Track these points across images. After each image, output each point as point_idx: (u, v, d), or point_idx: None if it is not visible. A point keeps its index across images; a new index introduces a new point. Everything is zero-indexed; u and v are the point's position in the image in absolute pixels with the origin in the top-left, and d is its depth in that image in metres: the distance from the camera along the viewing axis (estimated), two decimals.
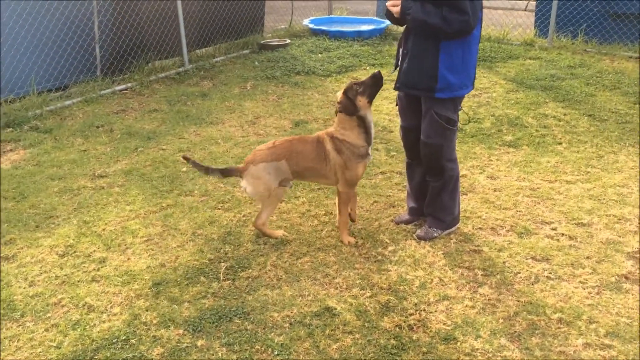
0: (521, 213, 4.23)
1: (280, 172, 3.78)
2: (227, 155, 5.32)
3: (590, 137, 5.60)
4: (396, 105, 3.95)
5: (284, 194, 4.05)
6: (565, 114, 6.16)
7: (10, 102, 6.40)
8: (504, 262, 3.64)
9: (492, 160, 5.16)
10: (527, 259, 3.68)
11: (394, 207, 4.38)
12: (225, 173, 3.92)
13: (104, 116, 6.37)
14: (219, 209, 4.36)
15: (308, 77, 7.80)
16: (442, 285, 3.43)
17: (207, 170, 3.85)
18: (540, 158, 5.15)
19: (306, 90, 7.26)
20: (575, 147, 5.38)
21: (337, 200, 3.92)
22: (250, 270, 3.57)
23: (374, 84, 3.68)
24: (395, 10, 3.44)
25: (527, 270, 3.55)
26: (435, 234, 3.90)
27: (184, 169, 5.03)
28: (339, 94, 3.75)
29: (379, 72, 3.69)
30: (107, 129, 6.02)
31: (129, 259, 3.73)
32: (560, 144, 5.47)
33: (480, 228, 4.05)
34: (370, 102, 3.70)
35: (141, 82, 7.45)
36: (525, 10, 12.17)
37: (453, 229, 3.95)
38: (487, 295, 3.33)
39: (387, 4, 3.55)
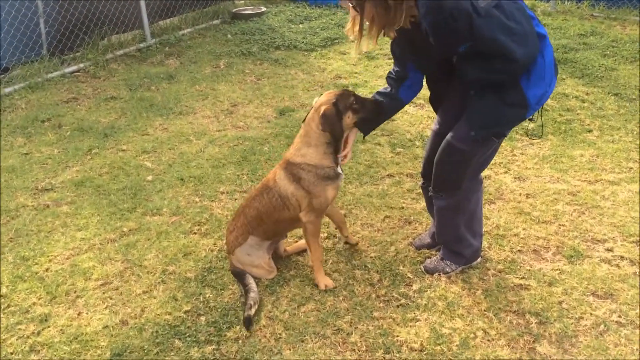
0: (565, 228, 3.47)
1: (257, 246, 3.04)
2: (201, 156, 4.42)
3: (622, 121, 4.85)
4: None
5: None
6: (587, 93, 5.39)
7: None
8: (560, 302, 2.88)
9: (516, 155, 4.37)
10: (587, 295, 2.93)
11: (410, 223, 3.58)
12: (237, 276, 3.05)
13: (51, 106, 5.37)
14: (194, 233, 3.51)
15: (289, 52, 6.85)
16: (489, 340, 2.67)
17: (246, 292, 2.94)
18: (572, 151, 4.39)
19: (288, 69, 6.33)
20: (609, 135, 4.62)
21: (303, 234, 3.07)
22: (239, 327, 2.75)
23: (374, 112, 2.84)
24: None
25: (591, 314, 2.81)
26: (448, 269, 3.10)
27: (149, 177, 4.13)
28: (320, 100, 2.86)
29: (383, 103, 2.85)
30: (55, 123, 5.04)
31: (79, 314, 2.87)
32: (590, 131, 4.70)
33: (519, 251, 3.29)
34: (355, 126, 2.88)
35: (96, 61, 6.42)
36: None
37: (473, 263, 3.15)
38: (549, 355, 2.58)
39: None
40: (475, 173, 2.92)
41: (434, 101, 3.03)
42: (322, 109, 2.77)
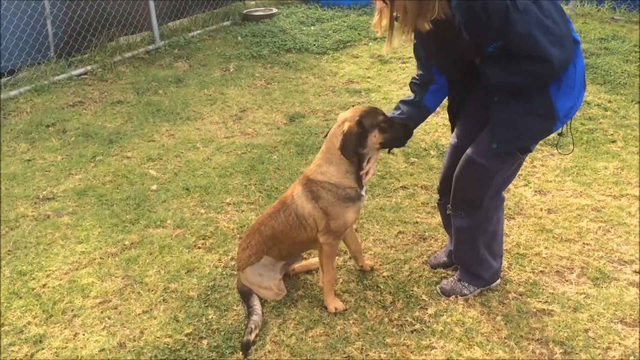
0: (590, 247, 3.28)
1: (271, 267, 2.88)
2: (208, 164, 4.27)
3: None
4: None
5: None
6: (610, 101, 5.18)
7: None
8: (586, 331, 2.70)
9: (536, 167, 4.18)
10: (614, 323, 2.74)
11: (424, 239, 3.40)
12: (243, 295, 2.90)
13: (56, 111, 5.25)
14: (198, 247, 3.35)
15: (300, 55, 6.69)
16: None
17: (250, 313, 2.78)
18: (595, 163, 4.19)
19: (299, 73, 6.16)
20: (633, 146, 4.41)
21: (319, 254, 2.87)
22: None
23: (402, 134, 2.63)
24: None
25: (620, 344, 2.62)
26: (466, 292, 2.91)
27: (154, 187, 3.98)
28: (344, 114, 2.65)
29: (412, 130, 2.66)
30: (59, 128, 4.91)
31: (75, 335, 2.72)
32: (614, 142, 4.49)
33: (542, 272, 3.10)
34: (381, 147, 2.67)
35: (103, 64, 6.30)
36: None
37: (492, 285, 2.96)
38: None
39: None
40: (497, 191, 2.73)
41: (453, 110, 2.85)
42: (346, 125, 2.59)
